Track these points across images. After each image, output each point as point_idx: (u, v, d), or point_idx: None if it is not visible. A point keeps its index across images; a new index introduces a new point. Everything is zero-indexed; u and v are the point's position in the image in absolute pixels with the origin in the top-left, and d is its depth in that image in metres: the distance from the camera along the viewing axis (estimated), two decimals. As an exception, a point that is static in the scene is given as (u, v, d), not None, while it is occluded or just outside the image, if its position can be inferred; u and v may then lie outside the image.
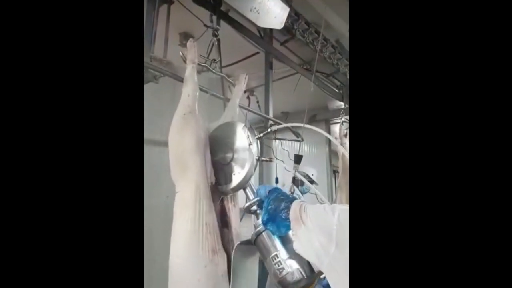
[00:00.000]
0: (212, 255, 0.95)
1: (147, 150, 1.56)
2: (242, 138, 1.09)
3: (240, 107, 1.48)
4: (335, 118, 4.55)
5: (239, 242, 1.03)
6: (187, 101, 1.08)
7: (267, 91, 2.34)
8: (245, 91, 3.53)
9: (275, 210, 0.88)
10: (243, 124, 1.12)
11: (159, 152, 1.69)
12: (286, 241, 0.89)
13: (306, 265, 0.85)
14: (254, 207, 0.98)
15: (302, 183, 3.25)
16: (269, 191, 0.94)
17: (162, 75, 1.50)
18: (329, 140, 4.93)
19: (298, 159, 1.13)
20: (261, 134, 1.15)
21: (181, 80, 1.15)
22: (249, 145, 1.08)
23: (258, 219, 0.95)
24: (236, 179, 1.07)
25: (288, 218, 0.84)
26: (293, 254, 0.84)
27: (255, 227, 0.93)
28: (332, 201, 3.15)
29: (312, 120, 4.17)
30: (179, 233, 0.98)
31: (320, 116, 4.18)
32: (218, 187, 1.11)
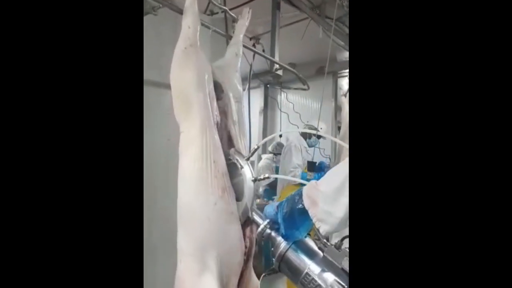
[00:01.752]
0: (222, 193, 0.92)
1: (145, 92, 1.50)
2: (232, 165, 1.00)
3: (244, 47, 1.39)
4: (343, 71, 4.40)
5: (263, 274, 0.98)
6: (187, 33, 1.00)
7: (273, 36, 2.22)
8: (250, 39, 3.40)
9: (292, 210, 0.80)
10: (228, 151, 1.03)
11: (158, 94, 1.63)
12: (312, 254, 0.79)
13: (342, 273, 0.74)
14: (267, 231, 0.86)
15: (310, 136, 3.20)
16: (278, 205, 0.85)
17: (161, 5, 1.41)
18: (336, 95, 4.83)
19: (311, 166, 1.02)
20: (249, 154, 1.04)
21: (181, 12, 1.06)
22: (241, 168, 0.99)
23: (275, 243, 0.84)
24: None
25: (305, 207, 0.76)
26: (325, 265, 0.75)
27: (275, 253, 0.83)
28: (335, 157, 3.10)
29: (320, 72, 4.03)
30: (187, 172, 0.94)
31: (328, 69, 4.05)
32: None
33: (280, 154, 3.64)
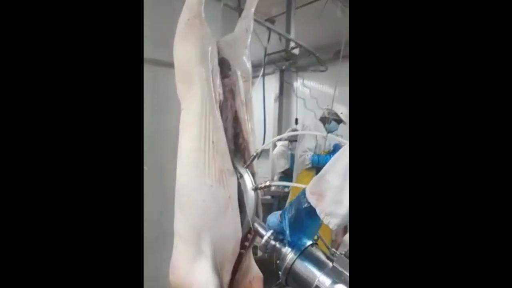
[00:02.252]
0: (220, 175, 0.86)
1: (156, 72, 1.42)
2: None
3: (256, 21, 1.30)
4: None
5: None
6: (191, 3, 0.93)
7: (288, 17, 2.11)
8: (265, 20, 3.28)
9: (298, 212, 0.74)
10: None
11: (168, 73, 1.56)
12: (321, 265, 0.73)
13: None
14: (272, 242, 0.79)
15: (330, 121, 3.10)
16: (282, 212, 0.79)
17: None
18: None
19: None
20: (248, 162, 0.96)
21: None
22: (240, 177, 0.92)
23: (280, 255, 0.78)
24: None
25: (311, 206, 0.71)
26: (336, 276, 0.69)
27: (281, 265, 0.76)
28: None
29: (336, 57, 3.88)
30: (184, 152, 0.89)
31: (345, 52, 3.88)
32: None
33: (295, 141, 3.56)
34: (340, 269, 0.70)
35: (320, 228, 0.77)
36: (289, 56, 2.42)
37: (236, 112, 1.01)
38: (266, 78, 1.81)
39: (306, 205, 0.72)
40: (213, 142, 0.87)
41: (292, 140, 4.12)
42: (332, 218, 0.68)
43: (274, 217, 0.80)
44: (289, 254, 0.76)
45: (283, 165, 4.03)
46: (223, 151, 0.88)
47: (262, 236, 0.82)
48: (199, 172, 0.86)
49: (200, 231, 0.86)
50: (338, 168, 0.68)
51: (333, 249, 0.76)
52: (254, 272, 0.94)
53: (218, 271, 0.85)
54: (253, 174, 0.95)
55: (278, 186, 3.02)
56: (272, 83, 5.43)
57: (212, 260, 0.84)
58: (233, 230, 0.87)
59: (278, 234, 0.79)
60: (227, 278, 0.87)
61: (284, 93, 4.97)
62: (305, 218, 0.74)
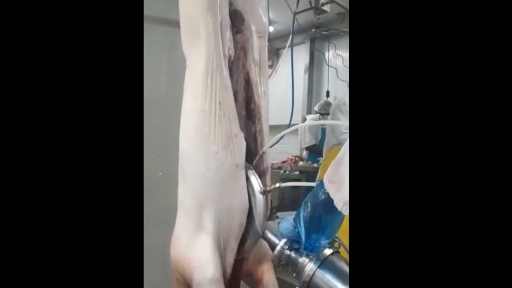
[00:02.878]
0: (227, 140, 0.76)
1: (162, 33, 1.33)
2: None
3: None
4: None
5: None
6: None
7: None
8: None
9: (315, 207, 0.65)
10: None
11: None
12: (345, 277, 0.63)
13: None
14: (287, 252, 0.70)
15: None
16: (296, 215, 0.68)
17: None
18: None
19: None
20: (255, 160, 0.83)
21: None
22: (246, 180, 0.79)
23: (297, 266, 0.68)
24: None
25: (329, 197, 0.61)
26: None
27: (299, 279, 0.67)
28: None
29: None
30: (188, 113, 0.80)
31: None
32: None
33: (327, 114, 3.39)
34: None
35: (340, 227, 0.67)
36: (320, 24, 2.23)
37: (248, 73, 0.89)
38: (296, 48, 1.66)
39: (323, 197, 0.62)
40: (219, 103, 0.76)
41: (324, 113, 3.93)
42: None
43: (287, 223, 0.70)
44: (307, 265, 0.66)
45: (308, 140, 3.88)
46: (230, 114, 0.77)
47: (275, 246, 0.71)
48: (203, 137, 0.76)
49: (203, 203, 0.77)
50: None
51: None
52: (264, 250, 0.84)
53: (221, 250, 0.77)
54: (261, 174, 0.83)
55: (287, 186, 2.87)
56: (302, 54, 5.20)
57: (214, 236, 0.75)
58: (240, 202, 0.77)
59: (293, 243, 0.69)
60: (231, 257, 0.78)
61: (314, 64, 4.75)
62: (324, 214, 0.64)
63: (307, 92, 4.83)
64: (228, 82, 0.79)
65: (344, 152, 0.60)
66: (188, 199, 0.80)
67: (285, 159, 3.18)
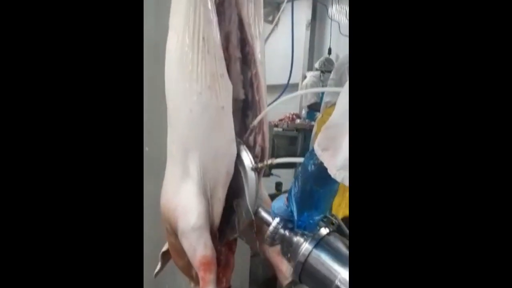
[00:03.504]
0: (211, 80, 0.69)
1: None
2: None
3: None
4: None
5: None
6: None
7: None
8: None
9: (306, 179, 0.60)
10: None
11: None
12: (342, 258, 0.60)
13: None
14: (281, 231, 0.66)
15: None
16: (289, 192, 0.63)
17: None
18: None
19: None
20: (247, 134, 0.75)
21: None
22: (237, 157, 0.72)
23: (291, 246, 0.64)
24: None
25: (320, 167, 0.55)
26: None
27: (293, 260, 0.63)
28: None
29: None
30: (171, 50, 0.72)
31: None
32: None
33: (328, 71, 3.27)
34: None
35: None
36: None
37: (240, 11, 0.80)
38: (297, 2, 1.54)
39: (314, 168, 0.57)
40: (203, 38, 0.68)
41: (325, 70, 3.81)
42: (346, 171, 0.52)
43: (280, 202, 0.65)
44: (302, 245, 0.62)
45: (309, 98, 3.79)
46: (216, 52, 0.70)
47: (268, 225, 0.67)
48: (185, 75, 0.69)
49: (187, 148, 0.71)
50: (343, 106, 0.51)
51: None
52: (263, 197, 0.80)
53: (207, 198, 0.72)
54: (251, 148, 0.77)
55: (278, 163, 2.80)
56: (304, 9, 4.95)
57: (199, 183, 0.70)
58: (226, 147, 0.71)
59: (287, 222, 0.65)
60: (219, 207, 0.73)
61: (317, 18, 4.55)
62: (315, 187, 0.59)
63: (309, 49, 4.66)
64: (214, 17, 0.71)
65: (336, 115, 0.54)
66: (174, 145, 0.75)
67: (282, 117, 3.12)
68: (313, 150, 0.57)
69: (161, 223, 0.81)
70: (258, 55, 0.81)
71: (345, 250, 0.61)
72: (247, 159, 0.73)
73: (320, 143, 0.55)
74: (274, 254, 0.80)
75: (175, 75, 0.71)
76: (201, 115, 0.69)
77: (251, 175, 0.73)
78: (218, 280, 0.75)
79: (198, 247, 0.70)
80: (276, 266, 0.81)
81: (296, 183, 0.61)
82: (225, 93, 0.70)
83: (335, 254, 0.61)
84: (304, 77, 4.32)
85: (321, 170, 0.55)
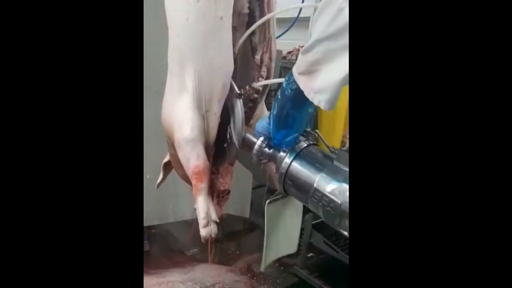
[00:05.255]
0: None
1: None
2: None
3: None
4: None
5: (268, 200, 0.78)
6: None
7: None
8: None
9: (282, 104, 0.61)
10: None
11: None
12: (320, 165, 0.63)
13: None
14: (266, 150, 0.68)
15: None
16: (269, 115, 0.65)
17: None
18: None
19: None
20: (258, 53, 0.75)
21: None
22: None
23: (276, 162, 0.68)
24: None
25: (297, 91, 0.57)
26: (337, 176, 0.60)
27: (278, 173, 0.67)
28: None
29: None
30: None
31: None
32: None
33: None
34: (342, 167, 0.61)
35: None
36: None
37: None
38: None
39: (290, 92, 0.58)
40: None
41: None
42: (322, 94, 0.52)
43: (263, 121, 0.68)
44: (284, 158, 0.66)
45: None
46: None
47: (253, 145, 0.69)
48: (183, -19, 0.65)
49: (184, 59, 0.70)
50: (332, 28, 0.48)
51: (333, 146, 0.65)
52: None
53: (202, 112, 0.72)
54: (258, 67, 0.77)
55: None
56: None
57: (194, 96, 0.70)
58: (222, 60, 0.69)
59: (271, 140, 0.67)
60: (214, 121, 0.73)
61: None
62: (291, 110, 0.61)
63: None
64: None
65: (314, 40, 0.51)
66: (172, 57, 0.73)
67: (291, 50, 3.01)
68: (291, 73, 0.57)
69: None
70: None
71: (323, 158, 0.65)
72: (233, 86, 0.74)
73: (298, 67, 0.56)
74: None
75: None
76: (197, 24, 0.66)
77: (236, 102, 0.74)
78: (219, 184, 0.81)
79: (191, 157, 0.72)
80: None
81: (275, 104, 0.63)
82: (225, 3, 0.66)
83: (314, 162, 0.65)
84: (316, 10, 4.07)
85: (298, 93, 0.56)
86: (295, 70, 0.57)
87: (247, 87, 0.75)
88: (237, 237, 2.09)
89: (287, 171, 0.66)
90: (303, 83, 0.55)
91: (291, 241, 0.97)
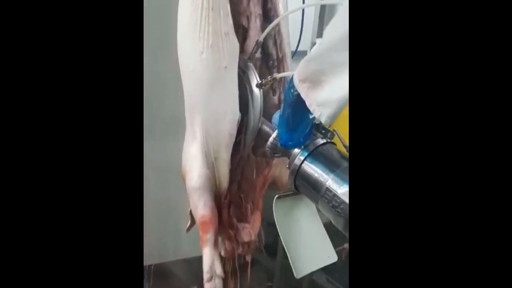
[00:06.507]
0: (214, 39, 0.66)
1: None
2: None
3: None
4: None
5: (277, 195, 0.77)
6: None
7: None
8: None
9: (286, 107, 0.60)
10: None
11: None
12: (334, 164, 0.60)
13: None
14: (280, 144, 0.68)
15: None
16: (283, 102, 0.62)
17: None
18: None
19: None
20: (251, 53, 0.73)
21: None
22: (243, 74, 0.72)
23: (289, 157, 0.66)
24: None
25: (298, 98, 0.54)
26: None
27: (290, 168, 0.65)
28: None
29: None
30: (182, 6, 0.70)
31: None
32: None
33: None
34: None
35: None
36: None
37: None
38: None
39: (291, 97, 0.56)
40: (207, -6, 0.66)
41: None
42: (325, 108, 0.50)
43: (278, 114, 0.65)
44: (298, 155, 0.64)
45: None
46: (221, 8, 0.66)
47: (269, 137, 0.68)
48: (191, 33, 0.67)
49: (192, 110, 0.71)
50: (338, 38, 0.46)
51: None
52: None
53: (211, 160, 0.72)
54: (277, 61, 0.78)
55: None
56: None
57: (202, 145, 0.71)
58: (227, 109, 0.70)
59: None
60: (224, 168, 0.73)
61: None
62: (291, 115, 0.59)
63: (319, 16, 4.49)
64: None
65: (319, 49, 0.49)
66: (185, 106, 0.75)
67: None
68: (292, 79, 0.55)
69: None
70: (281, 11, 0.77)
71: (339, 157, 0.62)
72: (253, 76, 0.74)
73: (299, 73, 0.53)
74: None
75: (183, 33, 0.70)
76: (201, 75, 0.67)
77: (256, 91, 0.73)
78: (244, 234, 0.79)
79: (199, 206, 0.72)
80: None
81: (284, 103, 0.61)
82: (229, 52, 0.68)
83: (329, 161, 0.62)
84: (313, 44, 4.20)
85: (299, 101, 0.55)
86: (296, 76, 0.54)
87: (268, 77, 0.73)
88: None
89: (299, 167, 0.63)
90: (304, 92, 0.53)
91: (325, 249, 0.81)
